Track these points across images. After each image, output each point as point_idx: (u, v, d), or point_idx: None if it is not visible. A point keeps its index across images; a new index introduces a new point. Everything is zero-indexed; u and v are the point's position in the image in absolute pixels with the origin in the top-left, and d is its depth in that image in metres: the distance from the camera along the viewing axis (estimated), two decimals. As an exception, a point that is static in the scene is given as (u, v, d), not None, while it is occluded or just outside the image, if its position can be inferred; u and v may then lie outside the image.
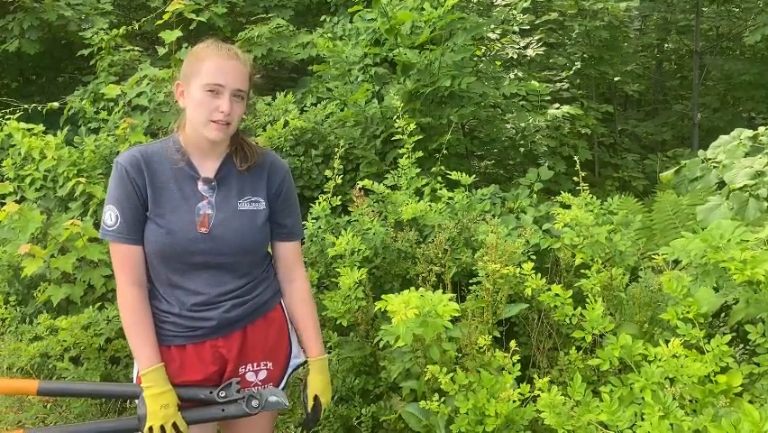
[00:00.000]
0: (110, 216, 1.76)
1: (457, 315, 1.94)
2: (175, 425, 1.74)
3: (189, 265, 1.79)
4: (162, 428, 1.73)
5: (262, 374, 1.90)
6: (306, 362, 1.98)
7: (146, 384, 1.74)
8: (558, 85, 7.77)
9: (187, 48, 4.79)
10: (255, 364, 1.89)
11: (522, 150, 6.42)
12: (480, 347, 2.21)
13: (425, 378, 2.14)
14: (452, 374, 2.07)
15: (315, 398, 1.92)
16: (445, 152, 3.91)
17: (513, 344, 2.19)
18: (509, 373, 2.10)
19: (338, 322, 2.60)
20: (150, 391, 1.73)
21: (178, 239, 1.76)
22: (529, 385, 2.04)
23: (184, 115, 1.82)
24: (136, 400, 1.77)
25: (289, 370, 1.97)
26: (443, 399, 2.05)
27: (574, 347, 2.28)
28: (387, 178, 3.45)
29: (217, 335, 1.82)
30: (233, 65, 1.77)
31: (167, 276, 1.80)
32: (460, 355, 2.27)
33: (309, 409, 1.92)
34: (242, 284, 1.86)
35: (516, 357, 2.15)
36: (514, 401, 1.96)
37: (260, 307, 1.89)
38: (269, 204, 1.90)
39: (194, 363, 1.81)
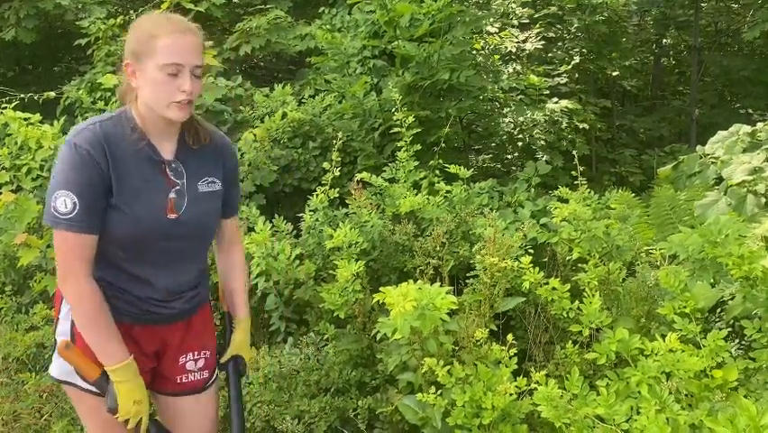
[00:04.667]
0: (64, 202, 1.58)
1: (454, 308, 1.94)
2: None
3: (153, 253, 1.72)
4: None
5: (201, 363, 1.93)
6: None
7: (118, 379, 1.66)
8: (556, 79, 7.77)
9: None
10: (195, 353, 1.92)
11: (520, 144, 6.43)
12: (477, 340, 2.21)
13: (422, 371, 2.14)
14: (448, 367, 2.07)
15: (236, 357, 1.96)
16: (443, 145, 3.90)
17: (510, 337, 2.19)
18: (506, 366, 2.10)
19: (335, 314, 2.60)
20: (123, 387, 1.66)
21: (146, 227, 1.68)
22: (526, 379, 2.04)
23: (134, 92, 1.70)
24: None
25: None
26: (439, 391, 2.06)
27: (571, 341, 2.28)
28: (385, 171, 3.45)
29: (166, 322, 1.82)
30: (190, 40, 1.66)
31: (126, 264, 1.72)
32: (457, 348, 2.27)
33: (222, 360, 1.96)
34: (197, 274, 1.87)
35: (513, 351, 2.16)
36: (510, 395, 1.96)
37: (203, 298, 1.93)
38: (223, 184, 1.85)
39: (136, 340, 1.78)
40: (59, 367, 1.77)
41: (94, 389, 1.72)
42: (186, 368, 1.90)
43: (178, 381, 1.90)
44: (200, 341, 1.92)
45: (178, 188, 1.74)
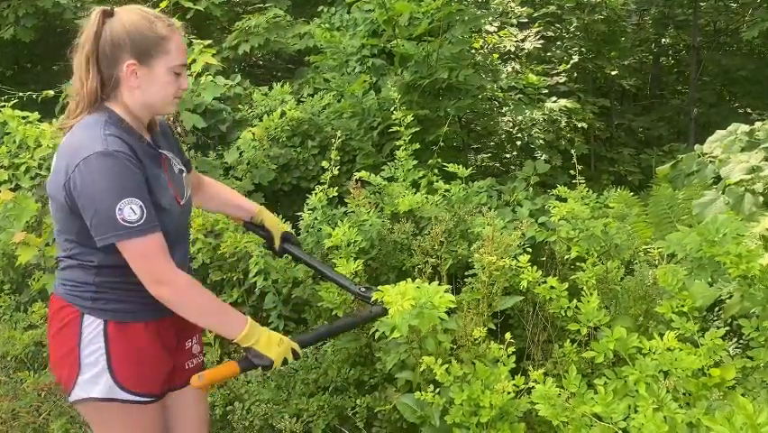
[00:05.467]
0: (131, 210, 1.56)
1: (453, 306, 1.94)
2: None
3: (171, 243, 1.73)
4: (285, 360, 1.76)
5: (198, 346, 1.99)
6: None
7: (251, 342, 1.70)
8: (555, 78, 7.77)
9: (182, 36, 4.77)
10: (195, 338, 1.97)
11: (519, 143, 6.43)
12: (476, 339, 2.22)
13: (421, 369, 2.14)
14: (447, 366, 2.07)
15: (283, 235, 2.12)
16: (442, 144, 3.90)
17: (508, 336, 2.19)
18: (504, 364, 2.11)
19: (334, 313, 2.61)
20: (259, 345, 1.71)
21: (171, 217, 1.73)
22: (524, 377, 2.04)
23: (121, 92, 1.68)
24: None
25: None
26: (437, 390, 2.06)
27: (569, 340, 2.28)
28: (383, 170, 3.45)
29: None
30: (183, 40, 1.74)
31: None
32: (455, 347, 2.28)
33: (277, 245, 2.13)
34: (188, 251, 1.95)
35: (512, 349, 2.16)
36: (509, 393, 1.97)
37: None
38: (178, 154, 1.93)
39: (160, 335, 1.80)
40: (103, 384, 1.72)
41: (138, 398, 1.74)
42: (192, 352, 1.95)
43: (186, 367, 1.93)
44: (193, 325, 1.91)
45: (172, 174, 1.81)
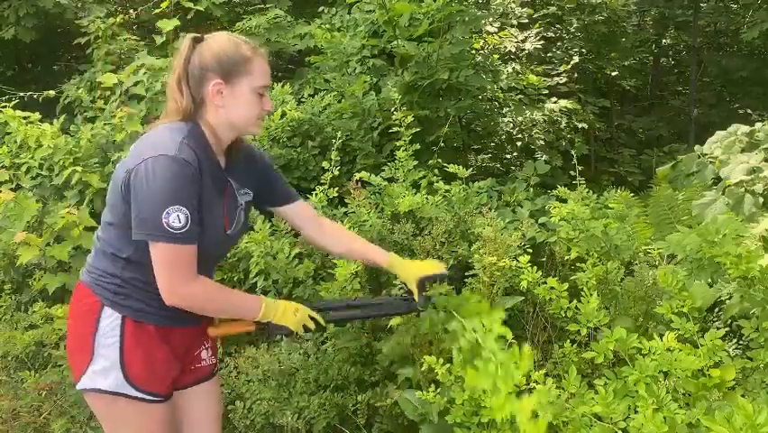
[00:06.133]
0: (178, 217, 1.61)
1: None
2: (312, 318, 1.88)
3: (201, 263, 1.78)
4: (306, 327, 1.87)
5: (210, 351, 2.03)
6: None
7: (268, 317, 1.82)
8: (555, 79, 7.76)
9: (183, 37, 4.77)
10: (206, 343, 2.01)
11: (519, 143, 6.43)
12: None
13: (422, 369, 2.15)
14: (448, 366, 2.08)
15: (420, 280, 1.99)
16: (442, 144, 3.91)
17: (509, 336, 2.19)
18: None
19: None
20: (278, 315, 1.83)
21: (210, 242, 1.76)
22: (524, 377, 2.04)
23: (207, 111, 1.76)
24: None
25: None
26: (438, 389, 2.07)
27: (569, 340, 2.29)
28: (384, 170, 3.45)
29: (193, 324, 1.89)
30: (266, 62, 1.80)
31: None
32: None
33: (419, 292, 1.99)
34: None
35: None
36: (510, 393, 1.97)
37: None
38: (255, 189, 1.95)
39: (168, 341, 1.83)
40: (113, 378, 1.75)
41: (146, 396, 1.77)
42: (201, 357, 1.99)
43: (192, 368, 1.96)
44: (204, 332, 1.99)
45: (230, 202, 1.83)
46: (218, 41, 1.76)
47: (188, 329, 1.89)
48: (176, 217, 1.61)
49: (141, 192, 1.63)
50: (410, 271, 2.02)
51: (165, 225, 1.60)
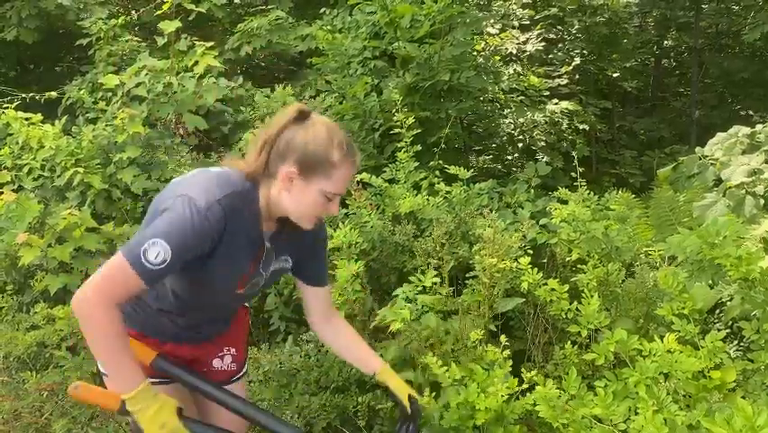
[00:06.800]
0: (158, 253, 1.50)
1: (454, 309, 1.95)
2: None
3: (204, 309, 1.81)
4: None
5: (227, 359, 2.00)
6: None
7: (135, 408, 1.53)
8: (557, 80, 7.77)
9: (186, 38, 4.78)
10: (221, 352, 1.99)
11: (520, 145, 6.43)
12: (473, 342, 2.22)
13: (421, 367, 2.15)
14: (446, 368, 2.08)
15: (410, 397, 1.86)
16: (444, 146, 3.91)
17: (503, 339, 2.20)
18: (500, 367, 2.11)
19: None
20: (143, 415, 1.53)
21: (215, 295, 1.74)
22: (517, 380, 2.04)
23: (274, 184, 1.66)
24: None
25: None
26: (434, 393, 2.07)
27: (569, 342, 2.29)
28: (385, 171, 3.46)
29: (200, 342, 1.91)
30: (354, 172, 1.70)
31: (175, 305, 1.77)
32: (455, 349, 2.28)
33: (409, 412, 1.84)
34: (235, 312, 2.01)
35: (507, 352, 2.16)
36: (503, 396, 1.97)
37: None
38: (296, 259, 1.87)
39: (166, 353, 1.84)
40: None
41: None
42: (212, 365, 1.99)
43: (205, 370, 1.97)
44: (226, 340, 1.99)
45: (259, 266, 1.76)
46: (316, 131, 1.63)
47: (189, 346, 1.89)
48: (155, 253, 1.50)
49: (152, 217, 1.61)
50: (402, 385, 1.91)
51: (142, 253, 1.50)
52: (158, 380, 1.78)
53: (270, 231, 1.74)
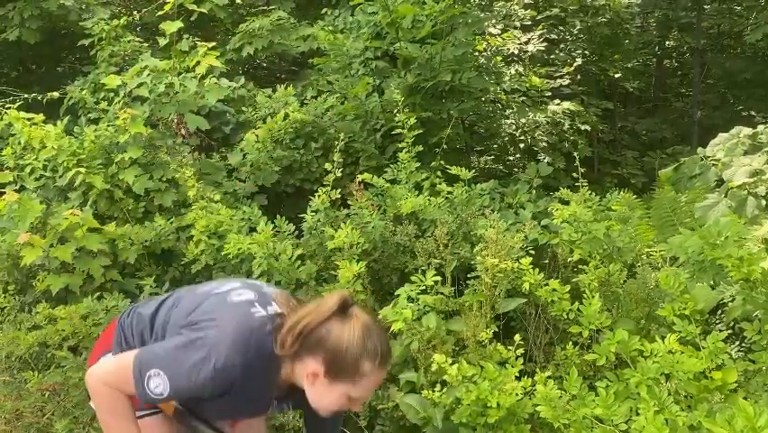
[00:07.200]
0: (158, 385, 1.53)
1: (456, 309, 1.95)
2: None
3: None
4: None
5: None
6: None
7: None
8: (558, 81, 7.76)
9: (187, 39, 4.78)
10: None
11: (521, 145, 6.44)
12: (482, 341, 2.23)
13: (424, 369, 2.15)
14: (456, 365, 2.08)
15: None
16: (445, 146, 3.91)
17: (517, 337, 2.21)
18: (512, 366, 2.12)
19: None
20: None
21: (212, 414, 1.76)
22: (530, 379, 2.05)
23: (299, 367, 1.61)
24: None
25: None
26: (443, 389, 2.07)
27: (571, 342, 2.29)
28: (386, 172, 3.46)
29: None
30: (382, 378, 1.65)
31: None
32: (458, 348, 2.29)
33: None
34: None
35: (520, 351, 2.18)
36: (517, 394, 1.98)
37: None
38: (302, 408, 1.87)
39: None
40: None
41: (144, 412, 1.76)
42: None
43: None
44: None
45: (261, 418, 1.86)
46: (352, 332, 1.56)
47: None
48: (158, 384, 1.53)
49: (174, 343, 1.59)
50: None
51: (147, 379, 1.54)
52: (147, 412, 1.77)
53: (282, 393, 1.70)
